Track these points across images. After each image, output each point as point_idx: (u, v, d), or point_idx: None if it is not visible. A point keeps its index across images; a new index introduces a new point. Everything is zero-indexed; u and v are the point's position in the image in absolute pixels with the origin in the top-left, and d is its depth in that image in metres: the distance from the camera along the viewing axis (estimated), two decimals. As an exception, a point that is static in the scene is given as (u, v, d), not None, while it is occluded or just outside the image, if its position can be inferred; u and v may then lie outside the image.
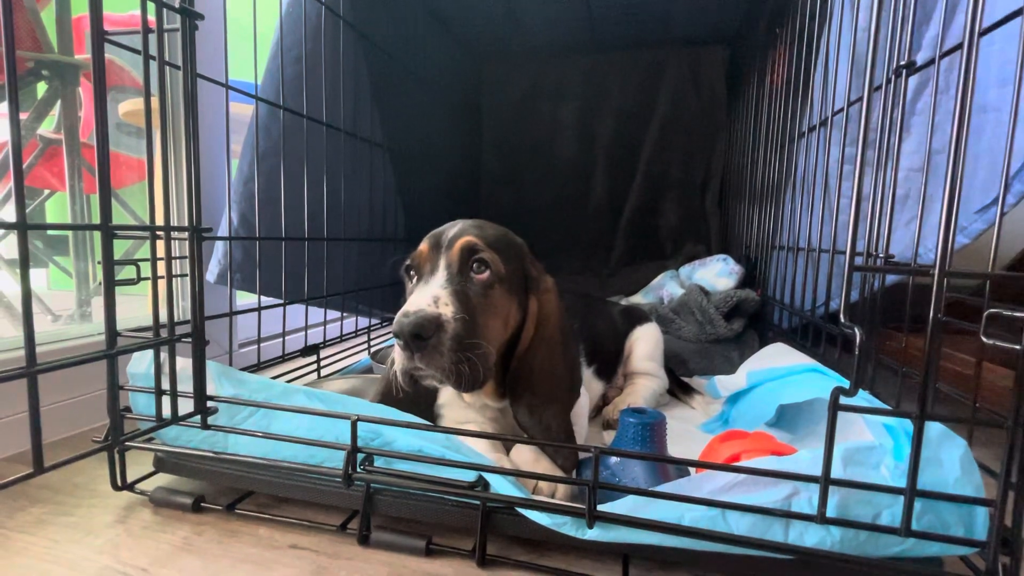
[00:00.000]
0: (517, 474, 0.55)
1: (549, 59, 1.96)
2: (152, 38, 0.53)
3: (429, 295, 0.56)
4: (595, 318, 1.00)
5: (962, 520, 0.45)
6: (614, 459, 0.57)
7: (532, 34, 1.75)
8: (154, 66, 0.53)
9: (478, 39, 1.81)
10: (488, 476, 0.54)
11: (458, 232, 0.62)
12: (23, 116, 1.18)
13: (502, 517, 0.54)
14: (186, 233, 0.56)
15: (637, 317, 1.09)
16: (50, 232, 1.61)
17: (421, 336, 0.53)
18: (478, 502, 0.54)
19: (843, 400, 0.43)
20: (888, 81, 0.70)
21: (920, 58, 0.72)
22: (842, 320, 0.43)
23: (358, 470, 0.56)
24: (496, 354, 0.61)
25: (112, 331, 0.51)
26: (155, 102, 0.54)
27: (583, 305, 0.99)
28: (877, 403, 0.57)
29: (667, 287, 1.58)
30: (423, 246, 0.64)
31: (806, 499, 0.46)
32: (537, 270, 0.67)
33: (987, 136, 0.72)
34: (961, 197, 0.42)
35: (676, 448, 0.64)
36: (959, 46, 0.42)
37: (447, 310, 0.55)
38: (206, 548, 0.55)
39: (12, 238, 0.43)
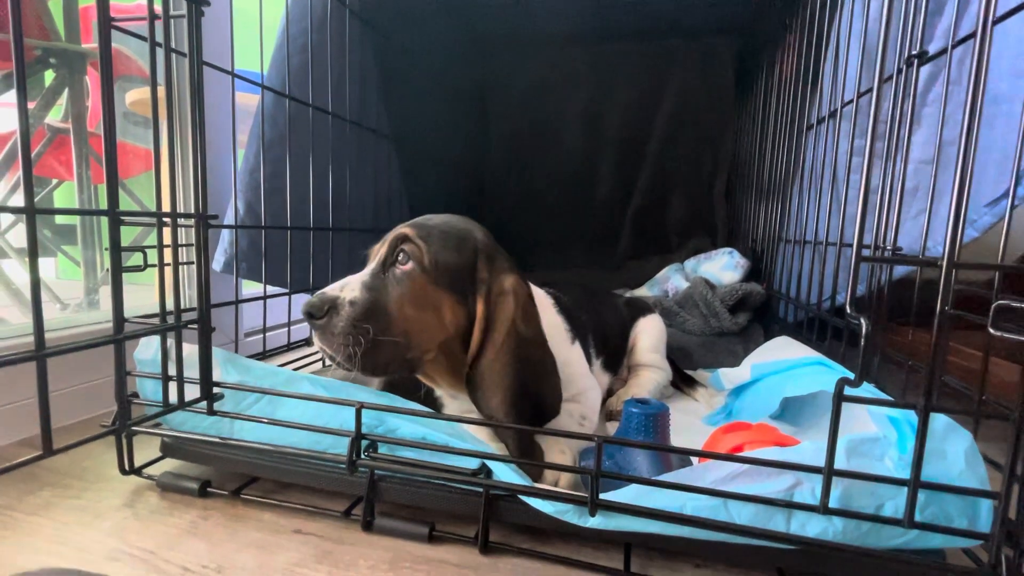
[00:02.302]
0: (520, 462, 0.55)
1: (556, 49, 1.94)
2: (158, 26, 0.53)
3: (343, 281, 0.60)
4: (601, 310, 1.00)
5: (966, 512, 0.44)
6: (617, 448, 0.57)
7: (539, 24, 1.74)
8: (160, 54, 0.53)
9: (484, 29, 1.79)
10: (491, 464, 0.54)
11: (404, 224, 0.64)
12: (31, 105, 1.18)
13: (505, 504, 0.54)
14: (192, 221, 0.57)
15: (640, 308, 1.09)
16: (58, 221, 1.62)
17: (313, 315, 0.57)
18: (481, 489, 0.54)
19: (848, 391, 0.42)
20: (899, 71, 0.69)
21: (932, 48, 0.71)
22: (848, 311, 0.43)
23: (362, 457, 0.56)
24: (429, 347, 0.61)
25: (119, 317, 0.51)
26: (162, 91, 0.54)
27: (588, 298, 0.99)
28: (882, 396, 0.57)
29: (672, 280, 1.58)
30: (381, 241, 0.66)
31: (809, 490, 0.46)
32: (491, 270, 0.62)
33: (999, 127, 0.71)
34: (971, 190, 0.42)
35: (679, 439, 0.64)
36: (972, 35, 0.41)
37: (349, 295, 0.58)
38: (212, 532, 0.56)
39: (22, 227, 0.43)
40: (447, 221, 0.66)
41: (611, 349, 0.96)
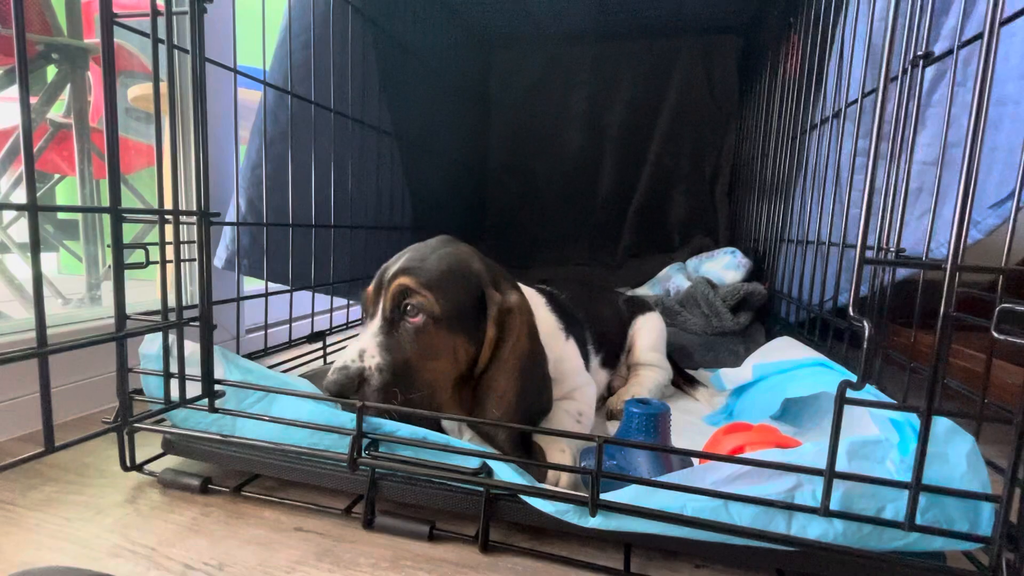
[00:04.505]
0: (520, 462, 0.55)
1: (558, 47, 1.94)
2: (161, 22, 0.53)
3: (358, 347, 0.59)
4: (599, 306, 1.00)
5: (967, 516, 0.44)
6: (618, 448, 0.57)
7: (541, 21, 1.73)
8: (163, 50, 0.53)
9: (487, 26, 1.79)
10: (492, 463, 0.54)
11: (395, 272, 0.61)
12: (33, 100, 1.18)
13: (505, 504, 0.54)
14: (194, 217, 0.57)
15: (640, 306, 1.09)
16: (60, 216, 1.62)
17: (344, 394, 0.56)
18: (481, 489, 0.54)
19: (850, 393, 0.42)
20: (904, 72, 0.69)
21: (938, 49, 0.71)
22: (851, 313, 0.43)
23: (363, 455, 0.56)
24: (447, 387, 0.62)
25: (121, 314, 0.51)
26: (164, 87, 0.54)
27: (585, 294, 0.99)
28: (884, 398, 0.57)
29: (674, 279, 1.58)
30: (370, 286, 0.64)
31: (809, 492, 0.46)
32: (501, 290, 0.63)
33: (1004, 129, 0.71)
34: (976, 191, 0.42)
35: (680, 440, 0.64)
36: (978, 36, 0.41)
37: (372, 362, 0.58)
38: (213, 529, 0.56)
39: (25, 222, 0.43)
40: (442, 257, 0.63)
41: (610, 345, 0.96)
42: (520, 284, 0.75)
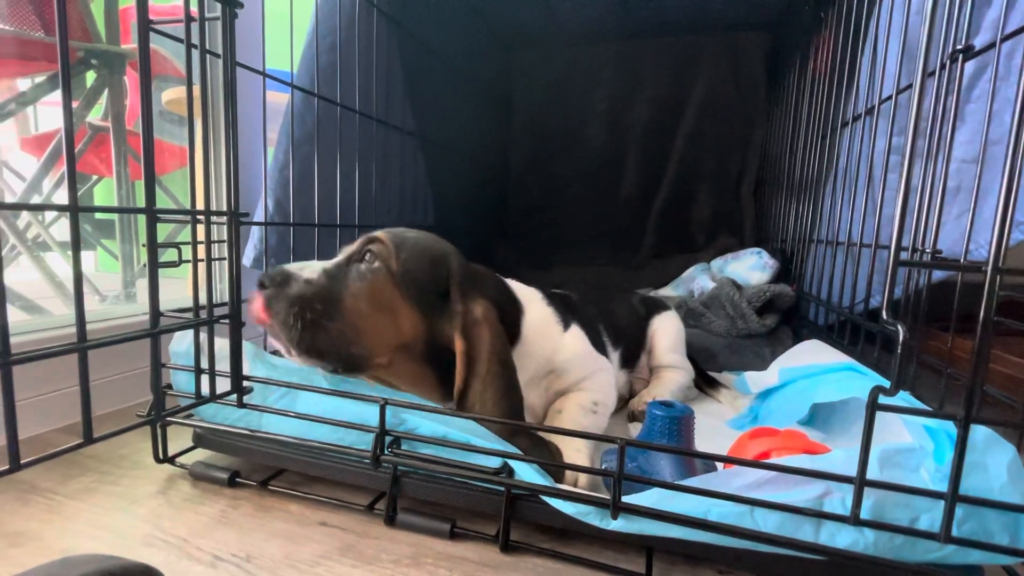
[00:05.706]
0: (541, 462, 0.55)
1: (581, 45, 1.93)
2: (194, 27, 0.55)
3: (304, 263, 0.61)
4: (612, 304, 1.00)
5: (1007, 528, 0.43)
6: (640, 450, 0.56)
7: (563, 20, 1.72)
8: (196, 55, 0.54)
9: (509, 26, 1.79)
10: (513, 463, 0.54)
11: (379, 231, 0.65)
12: (73, 104, 1.23)
13: (526, 504, 0.54)
14: (225, 218, 0.58)
15: (656, 305, 1.09)
16: (98, 216, 1.68)
17: (263, 284, 0.58)
18: (502, 488, 0.54)
19: (882, 399, 0.41)
20: (943, 67, 0.66)
21: (979, 42, 0.68)
22: (884, 317, 0.41)
23: (386, 452, 0.57)
24: (380, 349, 0.60)
25: (155, 311, 0.53)
26: (196, 91, 0.55)
27: (598, 294, 0.99)
28: (919, 404, 0.55)
29: (698, 280, 1.55)
30: None
31: (839, 499, 0.45)
32: (465, 301, 0.61)
33: (1050, 125, 0.67)
34: (1018, 190, 0.40)
35: (703, 444, 0.63)
36: (1022, 28, 0.39)
37: (306, 274, 0.59)
38: (241, 522, 0.57)
39: (64, 221, 0.45)
40: (425, 237, 0.66)
41: (627, 341, 0.95)
42: (513, 282, 0.75)
